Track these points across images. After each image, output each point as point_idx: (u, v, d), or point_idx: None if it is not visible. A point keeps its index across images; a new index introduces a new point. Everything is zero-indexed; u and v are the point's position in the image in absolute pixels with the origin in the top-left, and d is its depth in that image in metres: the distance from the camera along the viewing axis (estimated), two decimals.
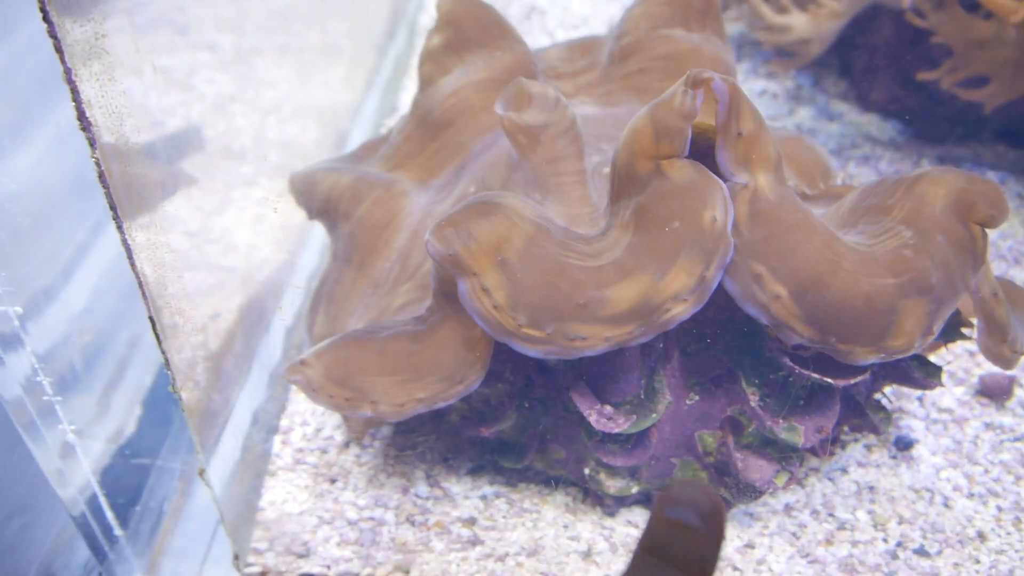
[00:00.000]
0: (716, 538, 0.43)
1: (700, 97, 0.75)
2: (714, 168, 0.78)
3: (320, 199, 1.01)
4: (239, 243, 1.18)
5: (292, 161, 1.39)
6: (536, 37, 1.88)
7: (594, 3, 2.00)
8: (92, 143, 0.62)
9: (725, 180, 0.78)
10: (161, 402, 1.10)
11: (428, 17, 1.94)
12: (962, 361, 1.11)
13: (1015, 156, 1.38)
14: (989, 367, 1.10)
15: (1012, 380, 1.08)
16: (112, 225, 0.71)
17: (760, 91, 1.61)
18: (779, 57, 1.50)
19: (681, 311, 0.76)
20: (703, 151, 0.80)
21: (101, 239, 1.12)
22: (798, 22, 1.40)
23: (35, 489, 0.94)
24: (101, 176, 0.62)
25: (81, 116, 0.60)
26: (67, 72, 0.58)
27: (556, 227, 0.79)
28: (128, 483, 0.99)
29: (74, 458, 0.88)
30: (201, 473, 0.83)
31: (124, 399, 1.08)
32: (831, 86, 1.59)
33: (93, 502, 0.92)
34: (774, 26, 1.43)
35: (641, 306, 0.76)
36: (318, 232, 1.24)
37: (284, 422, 1.06)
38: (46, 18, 0.55)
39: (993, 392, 1.07)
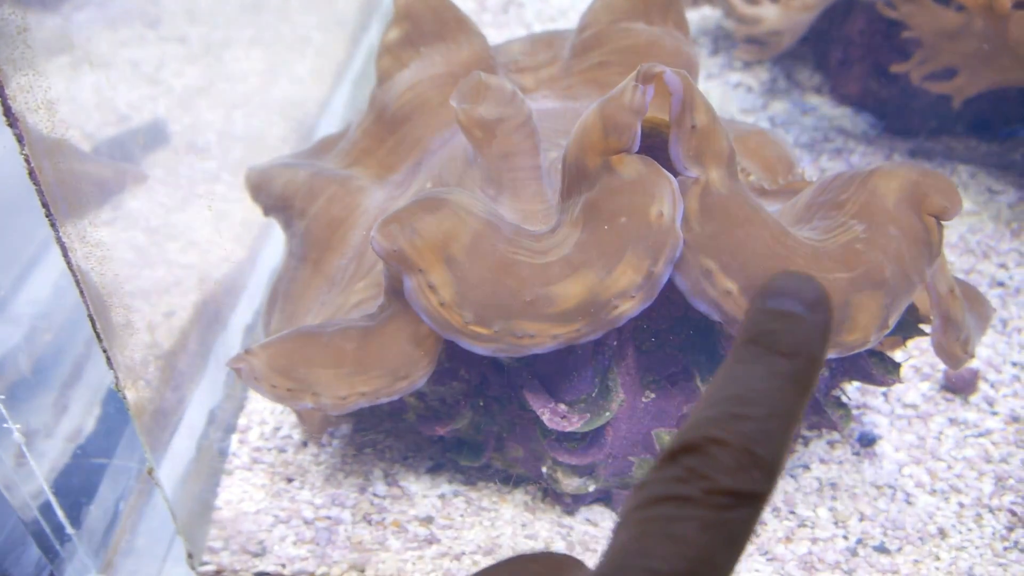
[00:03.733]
0: (824, 327, 0.39)
1: (650, 92, 0.74)
2: (666, 163, 0.77)
3: (275, 195, 1.00)
4: (200, 240, 1.17)
5: (257, 156, 1.37)
6: (514, 30, 1.87)
7: None
8: (20, 139, 0.60)
9: (677, 174, 0.77)
10: (120, 401, 1.09)
11: None
12: (927, 356, 1.11)
13: (986, 150, 1.37)
14: None
15: (976, 374, 1.07)
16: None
17: (735, 83, 1.60)
18: (748, 45, 1.49)
19: (629, 308, 0.75)
20: (655, 146, 0.79)
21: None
22: (769, 13, 1.39)
23: None
24: (31, 173, 0.61)
25: (7, 112, 0.59)
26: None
27: (505, 223, 0.78)
28: (82, 482, 0.98)
29: (23, 459, 0.87)
30: (150, 472, 0.82)
31: (82, 399, 1.07)
32: (806, 79, 1.58)
33: (43, 501, 0.91)
34: (745, 17, 1.42)
35: (588, 303, 0.75)
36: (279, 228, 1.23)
37: (242, 420, 1.05)
38: None
39: (958, 387, 1.07)
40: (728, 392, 0.38)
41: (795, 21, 1.37)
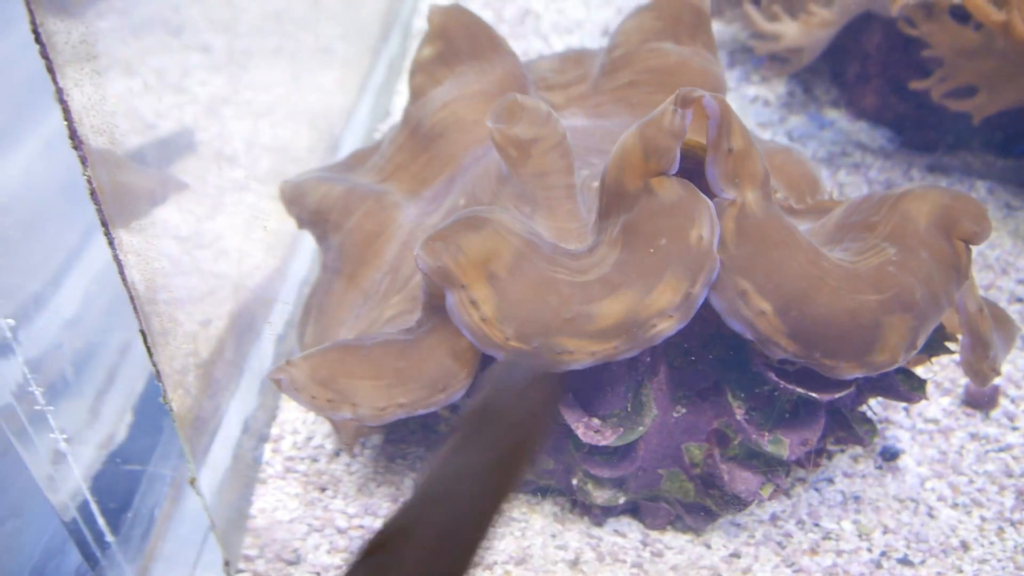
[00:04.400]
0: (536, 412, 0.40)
1: (689, 116, 0.75)
2: (702, 184, 0.79)
3: (310, 209, 1.01)
4: (230, 249, 1.19)
5: (285, 165, 1.39)
6: (530, 41, 1.89)
7: (588, 7, 2.00)
8: (84, 161, 0.62)
9: (713, 196, 0.78)
10: (152, 409, 1.10)
11: (422, 20, 1.94)
12: (948, 372, 1.12)
13: (1004, 165, 1.39)
14: None
15: (997, 390, 1.09)
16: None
17: (752, 97, 1.61)
18: (772, 62, 1.51)
19: (667, 327, 0.77)
20: (689, 168, 0.81)
21: (91, 245, 1.12)
22: (789, 30, 1.41)
23: (26, 494, 0.94)
24: (93, 194, 0.62)
25: (73, 134, 0.61)
26: (59, 92, 0.58)
27: (545, 242, 0.80)
28: (119, 489, 0.99)
29: (65, 465, 0.89)
30: (192, 482, 0.84)
31: (115, 405, 1.08)
32: (822, 93, 1.59)
33: (84, 508, 0.93)
34: (765, 33, 1.44)
35: (627, 322, 0.76)
36: (309, 238, 1.24)
37: (275, 430, 1.06)
38: (37, 38, 0.56)
39: (978, 402, 1.08)
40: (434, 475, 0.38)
41: (815, 38, 1.39)
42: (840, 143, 1.48)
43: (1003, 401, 1.09)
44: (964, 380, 1.11)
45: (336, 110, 1.51)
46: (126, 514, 0.97)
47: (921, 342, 0.80)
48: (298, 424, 1.07)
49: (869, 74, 1.49)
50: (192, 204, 1.17)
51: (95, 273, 1.10)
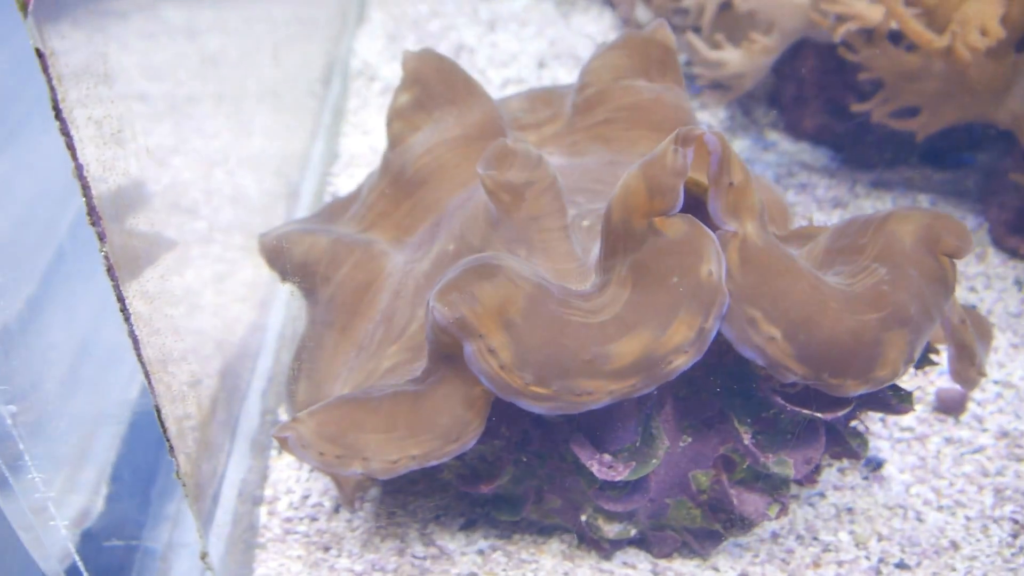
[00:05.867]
0: None
1: (691, 155, 0.77)
2: (702, 217, 0.81)
3: (297, 263, 0.99)
4: (205, 304, 1.15)
5: (248, 215, 1.36)
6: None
7: (520, 40, 2.03)
8: (102, 237, 0.60)
9: (715, 228, 0.80)
10: (131, 477, 1.06)
11: (358, 60, 1.94)
12: (916, 380, 1.17)
13: (941, 178, 1.47)
14: (941, 384, 1.16)
15: (964, 395, 1.14)
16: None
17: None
18: (712, 90, 1.56)
19: (683, 362, 0.78)
20: (686, 203, 0.83)
21: (47, 309, 1.08)
22: (732, 57, 1.46)
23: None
24: (110, 270, 0.60)
25: (91, 211, 0.59)
26: (78, 169, 0.56)
27: (553, 285, 0.81)
28: (102, 567, 0.95)
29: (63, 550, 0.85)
30: (204, 557, 0.81)
31: (90, 477, 1.04)
32: (761, 116, 1.65)
33: None
34: (709, 61, 1.48)
35: (644, 360, 0.78)
36: (283, 289, 1.22)
37: (268, 491, 1.03)
38: (58, 115, 0.54)
39: (949, 408, 1.13)
40: None
41: (757, 64, 1.44)
42: (785, 164, 1.54)
43: (970, 405, 1.15)
44: (933, 388, 1.16)
45: (291, 156, 1.49)
46: None
47: (917, 354, 0.83)
48: (292, 483, 1.04)
49: (806, 96, 1.55)
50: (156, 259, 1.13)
51: (55, 342, 1.06)
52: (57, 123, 0.54)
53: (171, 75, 1.46)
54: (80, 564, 0.86)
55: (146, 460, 1.07)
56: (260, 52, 1.64)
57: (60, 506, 0.96)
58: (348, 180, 1.57)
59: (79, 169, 0.56)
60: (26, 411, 0.97)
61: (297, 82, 1.65)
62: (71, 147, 0.55)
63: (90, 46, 1.48)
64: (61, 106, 0.54)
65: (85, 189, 0.57)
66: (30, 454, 0.84)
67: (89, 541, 0.96)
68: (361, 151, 1.67)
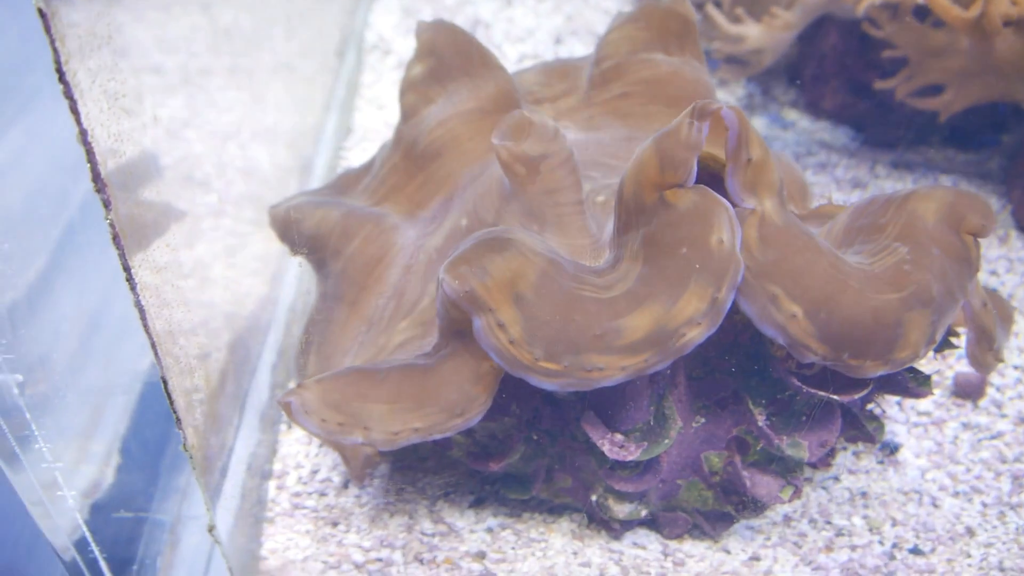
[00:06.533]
0: None
1: (706, 129, 0.76)
2: (722, 194, 0.79)
3: (307, 235, 0.98)
4: (216, 277, 1.15)
5: (259, 188, 1.35)
6: None
7: (537, 15, 2.00)
8: (107, 204, 0.59)
9: (734, 205, 0.79)
10: (141, 450, 1.06)
11: (373, 33, 1.92)
12: (934, 364, 1.15)
13: (964, 159, 1.44)
14: (960, 368, 1.14)
15: (983, 380, 1.12)
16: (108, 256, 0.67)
17: None
18: (730, 65, 1.53)
19: (696, 335, 0.77)
20: (702, 179, 0.81)
21: (57, 282, 1.07)
22: (752, 32, 1.43)
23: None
24: (116, 238, 0.59)
25: (96, 177, 0.57)
26: (83, 134, 0.55)
27: (566, 261, 0.79)
28: (121, 539, 0.95)
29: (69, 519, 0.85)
30: (211, 530, 0.80)
31: (100, 449, 1.03)
32: (780, 94, 1.63)
33: (88, 560, 0.88)
34: (729, 35, 1.45)
35: (656, 333, 0.76)
36: (293, 262, 1.21)
37: (277, 466, 1.03)
38: (61, 77, 0.52)
39: (967, 392, 1.12)
40: None
41: (777, 39, 1.42)
42: (804, 143, 1.52)
43: (989, 390, 1.13)
44: (951, 372, 1.14)
45: (304, 129, 1.48)
46: (132, 567, 0.92)
47: (939, 336, 0.82)
48: (301, 458, 1.04)
49: (827, 74, 1.52)
50: (166, 232, 1.12)
51: (66, 313, 1.05)
52: (60, 86, 0.53)
53: (185, 47, 1.45)
54: (88, 536, 0.86)
55: (156, 432, 1.06)
56: (274, 25, 1.63)
57: (69, 478, 0.96)
58: (361, 154, 1.56)
59: (83, 135, 0.55)
60: (35, 383, 0.97)
61: (311, 55, 1.63)
62: (75, 111, 0.54)
63: (104, 17, 1.47)
64: (64, 68, 0.52)
65: (90, 155, 0.56)
66: (38, 425, 0.84)
67: (98, 513, 0.96)
68: (375, 125, 1.65)
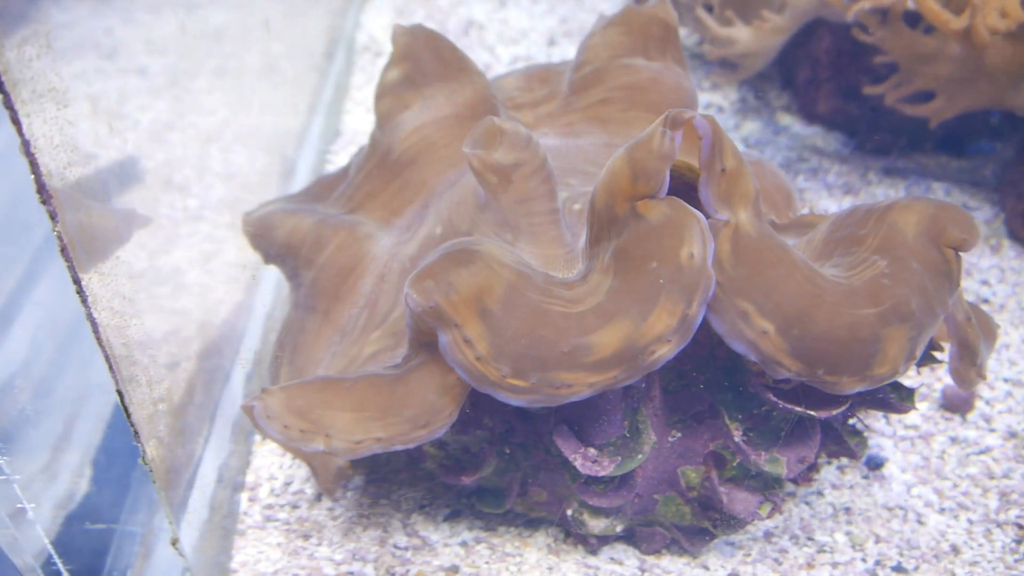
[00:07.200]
0: None
1: (679, 138, 0.74)
2: (698, 205, 0.77)
3: (279, 244, 0.97)
4: (191, 283, 1.13)
5: (240, 192, 1.33)
6: (476, 52, 1.86)
7: (531, 17, 1.99)
8: (53, 216, 0.57)
9: (708, 216, 0.77)
10: (112, 462, 1.04)
11: (364, 35, 1.90)
12: (923, 377, 1.13)
13: (957, 166, 1.42)
14: (948, 381, 1.12)
15: (972, 393, 1.10)
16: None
17: (705, 104, 1.61)
18: (722, 68, 1.51)
19: (666, 351, 0.75)
20: (676, 188, 0.79)
21: (33, 289, 1.06)
22: (742, 35, 1.41)
23: None
24: (64, 250, 0.58)
25: (41, 188, 0.56)
26: (25, 145, 0.54)
27: (535, 272, 0.77)
28: (89, 551, 0.93)
29: (31, 529, 0.83)
30: (174, 543, 0.79)
31: (72, 461, 1.02)
32: (774, 99, 1.60)
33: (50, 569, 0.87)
34: (719, 38, 1.43)
35: (625, 350, 0.74)
36: (272, 270, 1.19)
37: (250, 478, 1.01)
38: (4, 98, 0.51)
39: (956, 406, 1.09)
40: None
41: (768, 43, 1.40)
42: (796, 148, 1.49)
43: (978, 404, 1.11)
44: (940, 385, 1.12)
45: (288, 132, 1.46)
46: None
47: (920, 352, 0.80)
48: (274, 470, 1.02)
49: (820, 79, 1.50)
50: (144, 237, 1.11)
51: (39, 324, 1.04)
52: (0, 95, 0.51)
53: (172, 49, 1.43)
54: (52, 550, 0.85)
55: (128, 443, 1.05)
56: (262, 25, 1.61)
57: (36, 490, 0.94)
58: (348, 158, 1.54)
59: (26, 146, 0.53)
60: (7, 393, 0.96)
61: (298, 56, 1.62)
62: (16, 121, 0.52)
63: (94, 19, 1.45)
64: (3, 79, 0.51)
65: (33, 166, 0.54)
66: (4, 436, 0.83)
67: (68, 525, 0.95)
68: (364, 128, 1.63)
